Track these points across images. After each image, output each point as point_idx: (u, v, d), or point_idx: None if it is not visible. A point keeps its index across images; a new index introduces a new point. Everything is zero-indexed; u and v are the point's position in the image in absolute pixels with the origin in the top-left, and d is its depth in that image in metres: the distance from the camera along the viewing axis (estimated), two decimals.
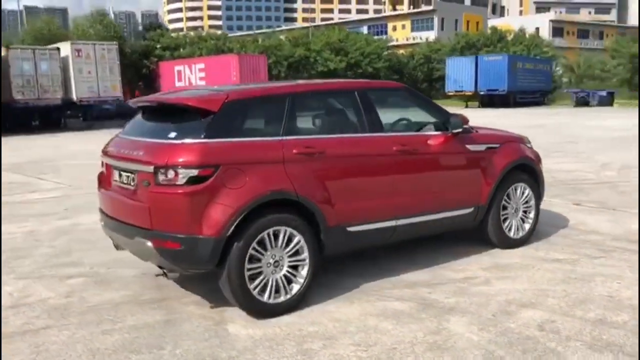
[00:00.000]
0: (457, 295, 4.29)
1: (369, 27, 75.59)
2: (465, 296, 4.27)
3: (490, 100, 39.62)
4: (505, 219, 5.35)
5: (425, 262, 5.05)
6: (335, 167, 4.28)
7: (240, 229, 3.80)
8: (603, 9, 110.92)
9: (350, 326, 3.82)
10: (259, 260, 3.93)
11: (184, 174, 3.72)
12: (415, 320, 3.87)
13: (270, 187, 3.94)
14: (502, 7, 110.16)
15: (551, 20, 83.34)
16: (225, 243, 3.78)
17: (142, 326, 3.90)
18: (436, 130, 4.94)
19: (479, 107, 38.81)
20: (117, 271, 5.09)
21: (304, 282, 4.10)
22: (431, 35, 67.70)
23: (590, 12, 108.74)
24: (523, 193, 5.48)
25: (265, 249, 3.94)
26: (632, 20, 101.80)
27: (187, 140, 3.83)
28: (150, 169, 3.82)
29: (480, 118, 16.27)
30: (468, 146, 5.04)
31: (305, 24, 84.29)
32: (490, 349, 3.43)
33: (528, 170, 5.52)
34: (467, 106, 38.51)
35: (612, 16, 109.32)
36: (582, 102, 38.93)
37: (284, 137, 4.11)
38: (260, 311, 3.97)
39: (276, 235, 3.97)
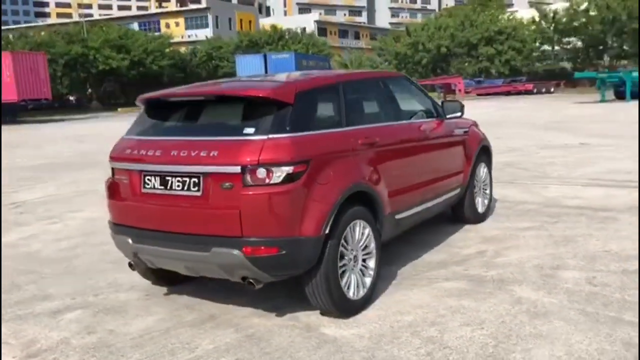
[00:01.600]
0: (491, 269, 4.58)
1: (140, 24, 72.49)
2: (498, 268, 4.58)
3: None
4: (475, 196, 5.82)
5: (427, 243, 5.28)
6: (386, 155, 4.26)
7: (333, 225, 3.59)
8: (355, 11, 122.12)
9: (439, 309, 3.86)
10: (344, 257, 3.76)
11: (279, 172, 3.38)
12: (486, 295, 4.06)
13: (351, 180, 3.79)
14: (268, 7, 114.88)
15: (316, 21, 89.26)
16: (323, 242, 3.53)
17: (230, 347, 3.45)
18: (428, 116, 5.17)
19: None
20: (110, 296, 4.36)
21: (374, 274, 4.02)
22: (207, 32, 67.59)
23: (345, 14, 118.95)
24: (484, 172, 6.01)
25: (347, 245, 3.78)
26: (379, 22, 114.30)
27: (274, 136, 3.47)
28: (236, 169, 3.40)
29: None
30: (455, 130, 5.37)
31: (68, 20, 77.57)
32: (578, 307, 3.78)
33: (486, 150, 6.07)
34: None
35: (364, 18, 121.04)
36: None
37: (348, 128, 3.98)
38: (349, 309, 3.79)
39: (353, 230, 3.82)
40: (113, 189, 3.96)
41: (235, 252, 3.42)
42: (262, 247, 3.42)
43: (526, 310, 3.77)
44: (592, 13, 37.30)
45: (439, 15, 52.93)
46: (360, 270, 3.92)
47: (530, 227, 5.71)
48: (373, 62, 56.54)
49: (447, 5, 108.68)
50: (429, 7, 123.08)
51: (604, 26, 36.33)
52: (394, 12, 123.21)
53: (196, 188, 3.56)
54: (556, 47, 40.81)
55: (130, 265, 4.08)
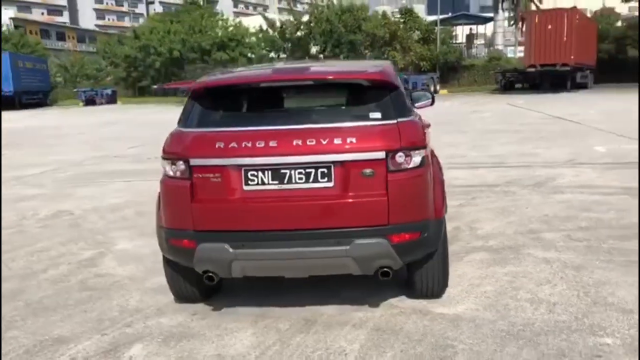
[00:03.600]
0: (487, 240, 5.12)
1: None
2: (491, 239, 5.13)
3: None
4: None
5: None
6: None
7: None
8: (55, 10, 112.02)
9: (499, 276, 4.22)
10: None
11: (416, 156, 3.36)
12: (517, 260, 4.55)
13: (437, 163, 3.91)
14: None
15: (11, 18, 79.34)
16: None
17: (377, 343, 3.31)
18: None
19: None
20: (159, 322, 3.69)
21: None
22: None
23: (43, 13, 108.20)
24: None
25: None
26: (84, 23, 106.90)
27: (402, 120, 3.42)
28: (380, 155, 3.26)
29: None
30: None
31: None
32: (585, 244, 4.58)
33: None
34: None
35: (65, 18, 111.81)
36: (91, 102, 40.21)
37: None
38: (442, 290, 3.91)
39: None
40: (194, 191, 3.37)
41: (382, 241, 3.29)
42: (407, 233, 3.36)
43: (563, 264, 4.42)
44: (313, 25, 41.45)
45: (152, 19, 52.18)
46: None
47: (463, 204, 6.46)
48: (98, 64, 52.90)
49: (154, 10, 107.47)
50: (137, 10, 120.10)
51: (325, 37, 40.76)
52: (100, 14, 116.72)
53: (326, 179, 3.29)
54: (282, 55, 44.20)
55: (209, 278, 3.51)
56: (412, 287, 3.81)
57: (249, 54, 46.57)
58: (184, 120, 3.59)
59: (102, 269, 4.80)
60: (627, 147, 9.76)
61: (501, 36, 56.56)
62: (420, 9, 51.31)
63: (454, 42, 44.73)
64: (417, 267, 3.67)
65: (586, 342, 3.20)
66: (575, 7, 29.41)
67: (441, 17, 46.21)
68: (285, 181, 3.30)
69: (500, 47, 49.02)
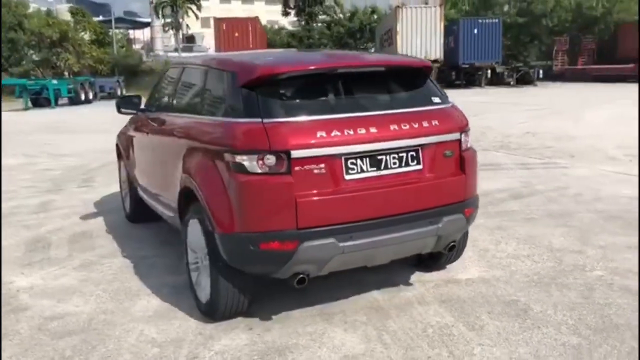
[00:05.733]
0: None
1: None
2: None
3: None
4: None
5: None
6: None
7: None
8: None
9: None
10: None
11: (469, 136, 3.68)
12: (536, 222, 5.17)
13: None
14: None
15: None
16: None
17: (461, 308, 3.54)
18: None
19: None
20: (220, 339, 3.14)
21: None
22: None
23: None
24: None
25: None
26: None
27: (452, 102, 3.67)
28: (457, 136, 3.49)
29: None
30: None
31: None
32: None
33: None
34: None
35: None
36: None
37: None
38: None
39: None
40: (295, 186, 3.02)
41: (461, 216, 3.50)
42: (473, 207, 3.63)
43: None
44: None
45: None
46: None
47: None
48: None
49: None
50: None
51: None
52: None
53: (415, 162, 3.33)
54: None
55: (301, 280, 3.18)
56: (436, 259, 4.07)
57: None
58: (246, 110, 3.15)
59: None
60: None
61: (160, 41, 57.54)
62: None
63: (134, 45, 43.76)
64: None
65: None
66: (257, 17, 31.92)
67: (103, 18, 44.68)
68: (382, 167, 3.24)
69: (160, 52, 49.84)
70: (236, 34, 29.25)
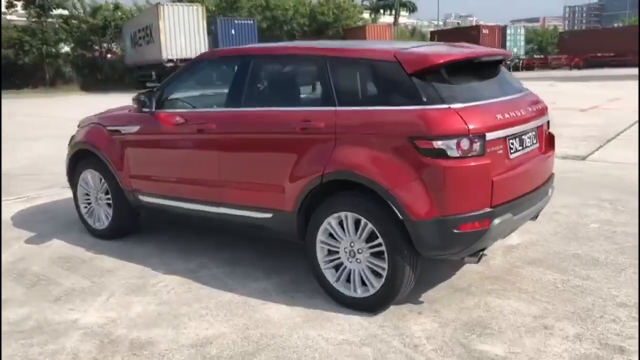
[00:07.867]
0: None
1: None
2: None
3: None
4: None
5: None
6: None
7: None
8: None
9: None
10: None
11: None
12: None
13: None
14: None
15: None
16: None
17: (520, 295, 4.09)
18: None
19: None
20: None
21: None
22: None
23: None
24: None
25: None
26: None
27: None
28: (548, 117, 4.01)
29: None
30: None
31: None
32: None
33: None
34: None
35: None
36: None
37: None
38: None
39: None
40: (491, 167, 3.20)
41: (553, 185, 4.08)
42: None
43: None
44: None
45: None
46: None
47: None
48: None
49: None
50: None
51: None
52: None
53: (535, 140, 3.73)
54: None
55: (482, 256, 3.37)
56: None
57: None
58: (426, 97, 3.19)
59: None
60: None
61: None
62: None
63: None
64: None
65: None
66: None
67: None
68: (525, 146, 3.57)
69: None
70: None
